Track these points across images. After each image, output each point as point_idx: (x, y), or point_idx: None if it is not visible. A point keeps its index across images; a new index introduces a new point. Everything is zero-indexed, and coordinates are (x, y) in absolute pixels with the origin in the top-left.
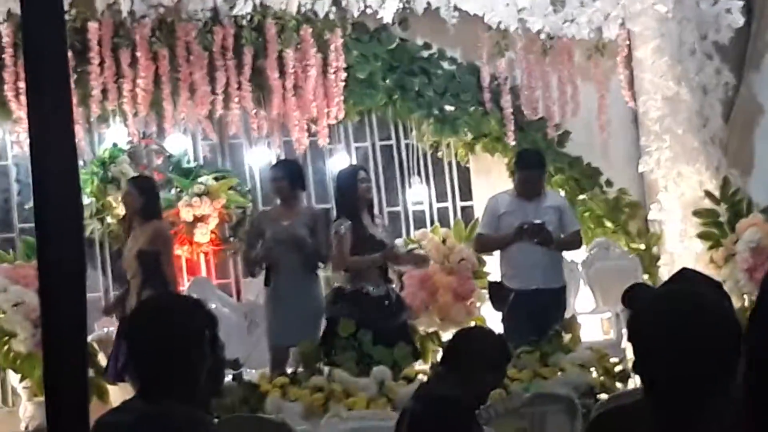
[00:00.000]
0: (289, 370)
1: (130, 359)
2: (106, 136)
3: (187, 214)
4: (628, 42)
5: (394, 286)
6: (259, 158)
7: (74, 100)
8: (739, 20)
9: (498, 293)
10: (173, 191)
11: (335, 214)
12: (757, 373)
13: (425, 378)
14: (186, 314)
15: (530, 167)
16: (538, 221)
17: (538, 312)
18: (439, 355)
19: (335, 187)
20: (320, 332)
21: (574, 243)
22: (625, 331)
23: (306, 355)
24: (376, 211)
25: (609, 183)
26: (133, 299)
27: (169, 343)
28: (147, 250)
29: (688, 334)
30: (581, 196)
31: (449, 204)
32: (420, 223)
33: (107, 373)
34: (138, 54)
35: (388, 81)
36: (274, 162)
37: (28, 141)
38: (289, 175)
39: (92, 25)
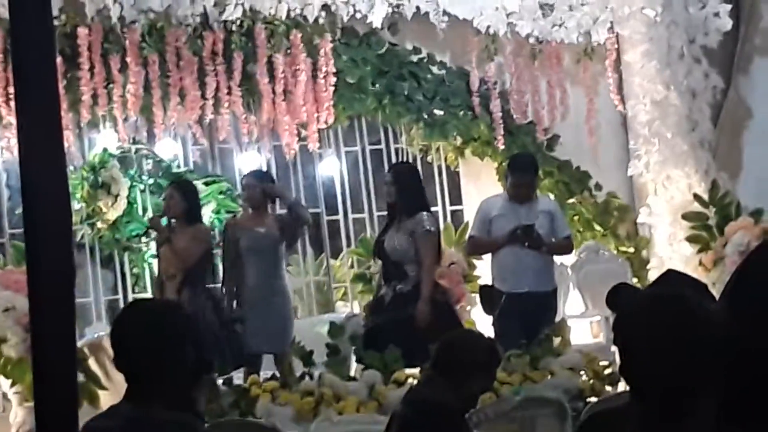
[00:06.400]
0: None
1: (116, 363)
2: (97, 141)
3: None
4: (616, 46)
5: (398, 285)
6: (249, 163)
7: (64, 105)
8: (727, 24)
9: (488, 296)
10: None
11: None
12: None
13: (415, 382)
14: (166, 318)
15: (523, 171)
16: (528, 223)
17: (529, 315)
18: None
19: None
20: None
21: (566, 248)
22: None
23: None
24: (365, 214)
25: (598, 187)
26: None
27: (150, 347)
28: (189, 252)
29: (672, 337)
30: (570, 200)
31: (439, 208)
32: None
33: None
34: (128, 59)
35: (377, 85)
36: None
37: (17, 146)
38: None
39: (82, 31)
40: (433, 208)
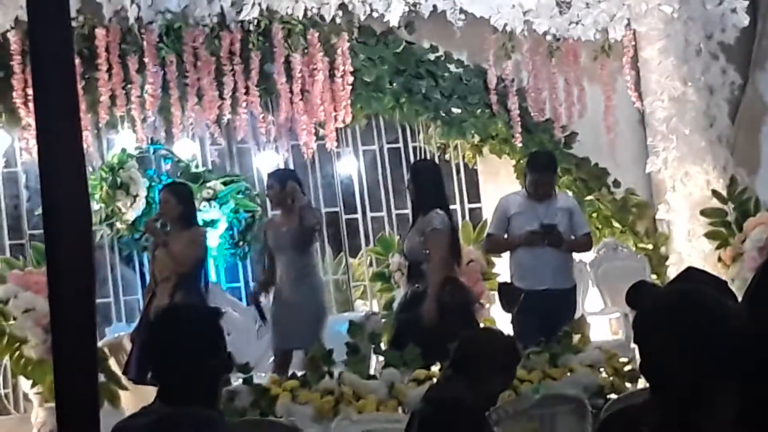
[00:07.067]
0: (299, 373)
1: (152, 365)
2: (115, 141)
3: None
4: (634, 43)
5: (417, 285)
6: (267, 162)
7: (83, 106)
8: (745, 20)
9: (508, 294)
10: None
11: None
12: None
13: (435, 380)
14: (202, 323)
15: (542, 169)
16: (549, 222)
17: (548, 313)
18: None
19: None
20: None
21: (585, 245)
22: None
23: (315, 359)
24: (383, 213)
25: (616, 183)
26: (165, 301)
27: (190, 350)
28: (185, 255)
29: (692, 334)
30: (589, 197)
31: (457, 206)
32: None
33: (129, 373)
34: (146, 60)
35: (395, 84)
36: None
37: (36, 147)
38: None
39: (100, 32)
40: (451, 206)
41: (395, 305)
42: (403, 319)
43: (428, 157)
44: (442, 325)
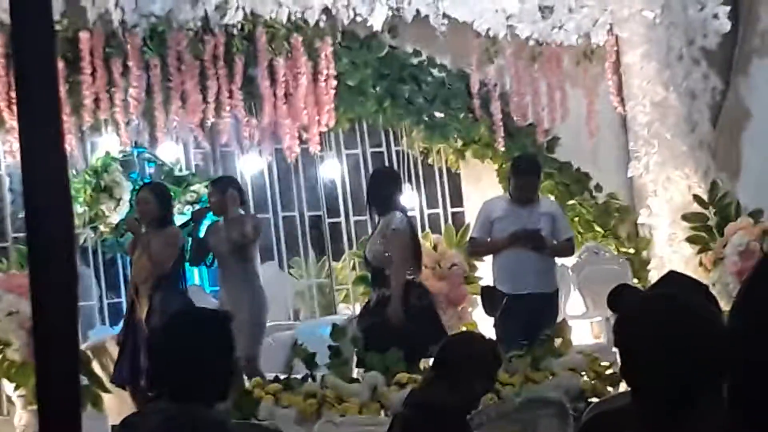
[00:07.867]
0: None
1: (162, 367)
2: (99, 145)
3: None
4: (616, 48)
5: (380, 289)
6: (250, 166)
7: (67, 110)
8: (726, 25)
9: (490, 298)
10: None
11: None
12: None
13: (417, 383)
14: (220, 325)
15: (526, 173)
16: (532, 228)
17: (530, 316)
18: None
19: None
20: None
21: (568, 250)
22: None
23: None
24: (366, 217)
25: (598, 188)
26: (144, 303)
27: (207, 351)
28: (162, 256)
29: (673, 338)
30: (571, 201)
31: (440, 210)
32: None
33: (115, 377)
34: (129, 63)
35: (378, 88)
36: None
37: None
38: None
39: (84, 35)
40: (434, 210)
41: None
42: (367, 324)
43: (411, 161)
44: (409, 328)
